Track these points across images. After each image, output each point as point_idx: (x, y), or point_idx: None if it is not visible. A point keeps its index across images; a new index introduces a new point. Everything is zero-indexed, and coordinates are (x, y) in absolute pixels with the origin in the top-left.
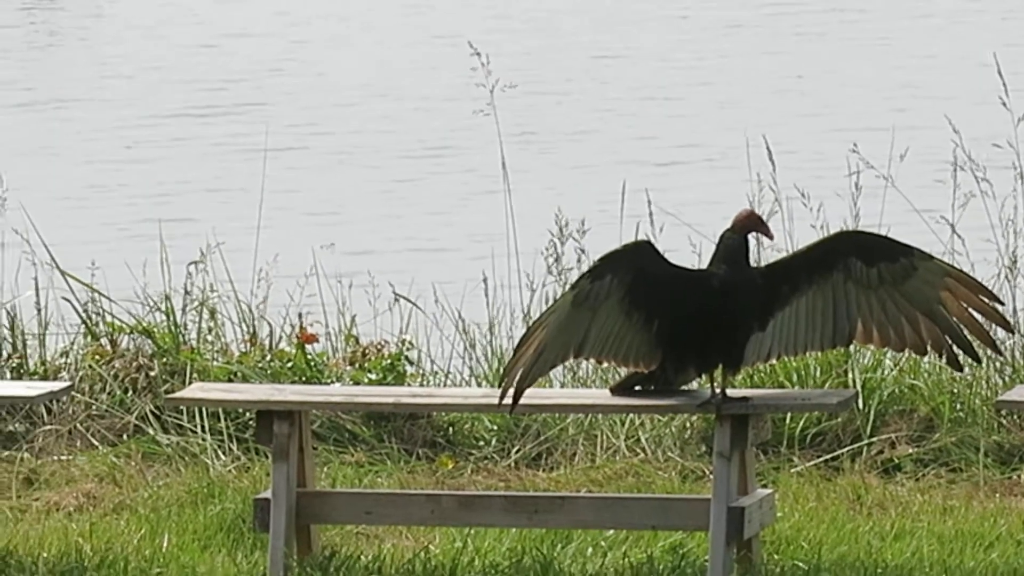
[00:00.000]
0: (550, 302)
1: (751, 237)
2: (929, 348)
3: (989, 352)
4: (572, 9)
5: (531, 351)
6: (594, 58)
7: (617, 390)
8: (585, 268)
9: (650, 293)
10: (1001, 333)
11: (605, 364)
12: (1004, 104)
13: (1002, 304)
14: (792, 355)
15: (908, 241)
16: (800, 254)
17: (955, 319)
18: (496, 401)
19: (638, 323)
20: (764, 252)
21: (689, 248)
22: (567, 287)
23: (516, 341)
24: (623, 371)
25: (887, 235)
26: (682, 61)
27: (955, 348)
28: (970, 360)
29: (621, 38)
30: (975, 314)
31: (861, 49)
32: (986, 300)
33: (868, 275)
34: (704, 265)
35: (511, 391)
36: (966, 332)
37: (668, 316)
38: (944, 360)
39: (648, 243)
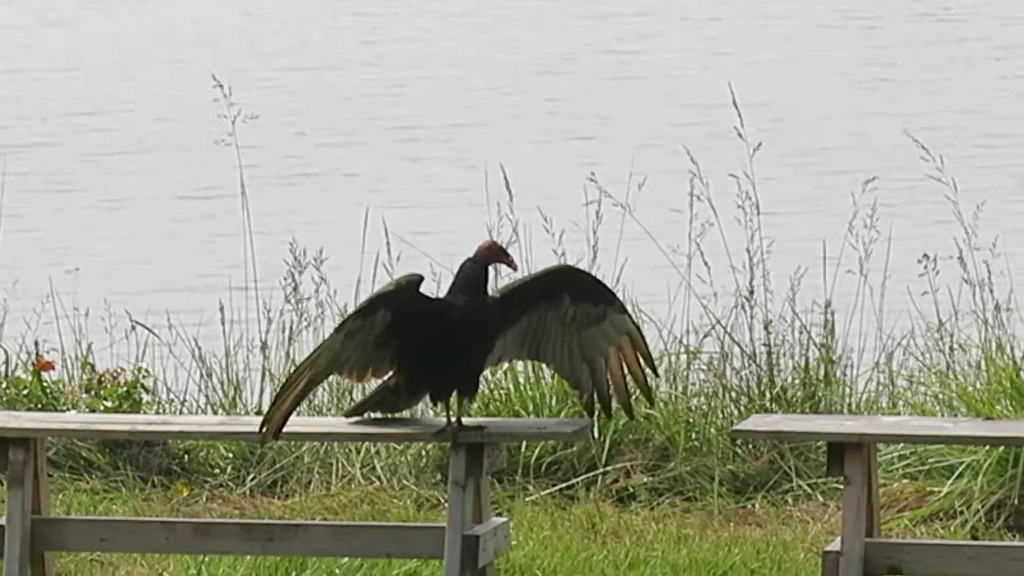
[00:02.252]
0: (287, 331)
1: (492, 267)
2: (587, 394)
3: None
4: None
5: (300, 386)
6: (345, 95)
7: (351, 415)
8: (353, 307)
9: (402, 324)
10: (736, 364)
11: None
12: (740, 135)
13: (657, 376)
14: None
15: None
16: (528, 282)
17: (609, 376)
18: (237, 429)
19: (387, 351)
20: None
21: (430, 276)
22: (336, 328)
23: (251, 369)
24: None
25: (601, 280)
26: (417, 84)
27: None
28: (704, 389)
29: (373, 68)
30: (629, 377)
31: (602, 81)
32: (642, 368)
33: (567, 312)
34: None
35: (276, 422)
36: (620, 388)
37: (408, 344)
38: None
39: (416, 277)
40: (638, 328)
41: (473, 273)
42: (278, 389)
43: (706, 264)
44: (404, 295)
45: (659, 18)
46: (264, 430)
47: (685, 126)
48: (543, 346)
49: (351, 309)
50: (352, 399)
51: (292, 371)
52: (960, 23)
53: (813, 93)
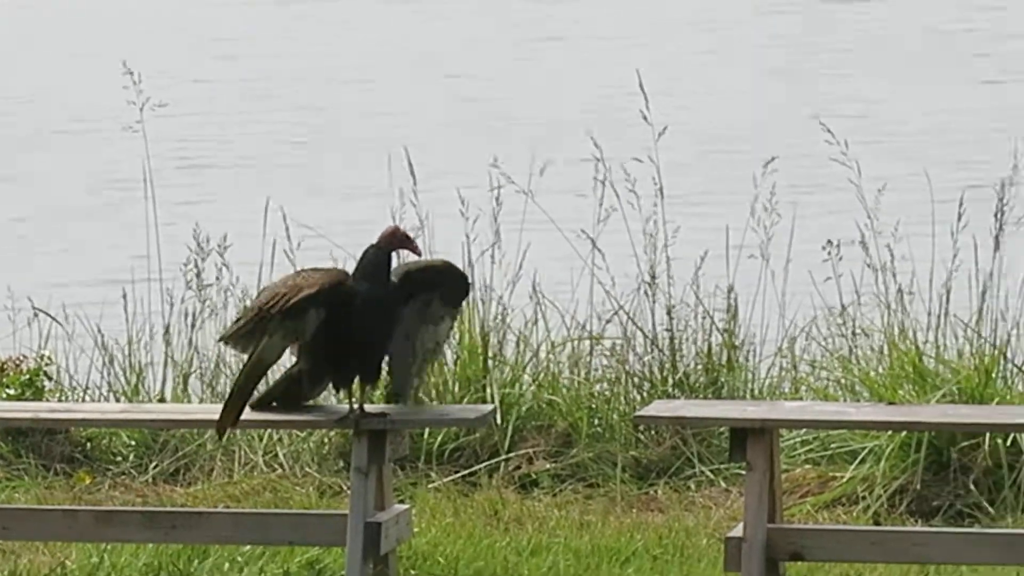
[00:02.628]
0: (190, 318)
1: (396, 253)
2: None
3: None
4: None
5: (250, 388)
6: (250, 79)
7: (256, 406)
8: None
9: (332, 320)
10: (638, 350)
11: None
12: (645, 119)
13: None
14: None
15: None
16: (417, 270)
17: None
18: (139, 417)
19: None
20: None
21: (332, 262)
22: (268, 332)
23: (154, 356)
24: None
25: (467, 287)
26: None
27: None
28: (607, 375)
29: (280, 57)
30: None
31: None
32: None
33: (431, 309)
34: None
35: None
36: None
37: (314, 332)
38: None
39: (342, 275)
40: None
41: (376, 259)
42: (229, 393)
43: (599, 251)
44: (333, 294)
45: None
46: (219, 431)
47: (592, 112)
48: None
49: (255, 294)
50: (255, 387)
51: (240, 377)
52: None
53: (720, 80)
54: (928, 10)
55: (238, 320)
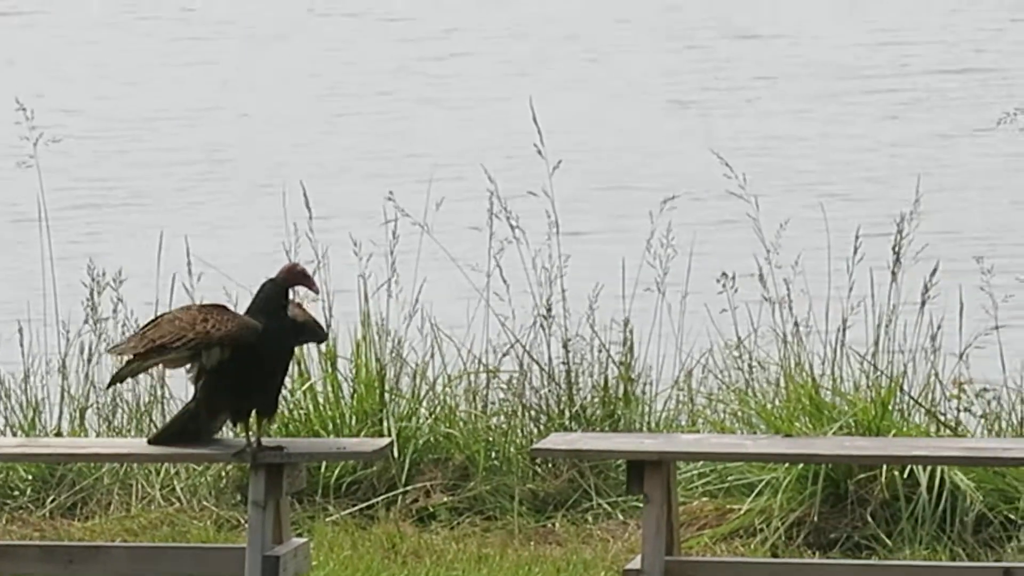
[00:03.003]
0: (86, 352)
1: (293, 291)
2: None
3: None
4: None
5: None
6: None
7: (155, 441)
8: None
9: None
10: (535, 383)
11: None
12: (539, 152)
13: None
14: None
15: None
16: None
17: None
18: (36, 451)
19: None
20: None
21: (225, 298)
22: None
23: (50, 390)
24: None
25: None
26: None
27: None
28: (504, 408)
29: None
30: None
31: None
32: None
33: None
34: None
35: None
36: None
37: (214, 365)
38: None
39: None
40: None
41: (274, 293)
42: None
43: (502, 282)
44: (241, 339)
45: (460, 39)
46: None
47: (487, 149)
48: None
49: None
50: (152, 421)
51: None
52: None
53: (616, 113)
54: (829, 46)
55: (132, 350)
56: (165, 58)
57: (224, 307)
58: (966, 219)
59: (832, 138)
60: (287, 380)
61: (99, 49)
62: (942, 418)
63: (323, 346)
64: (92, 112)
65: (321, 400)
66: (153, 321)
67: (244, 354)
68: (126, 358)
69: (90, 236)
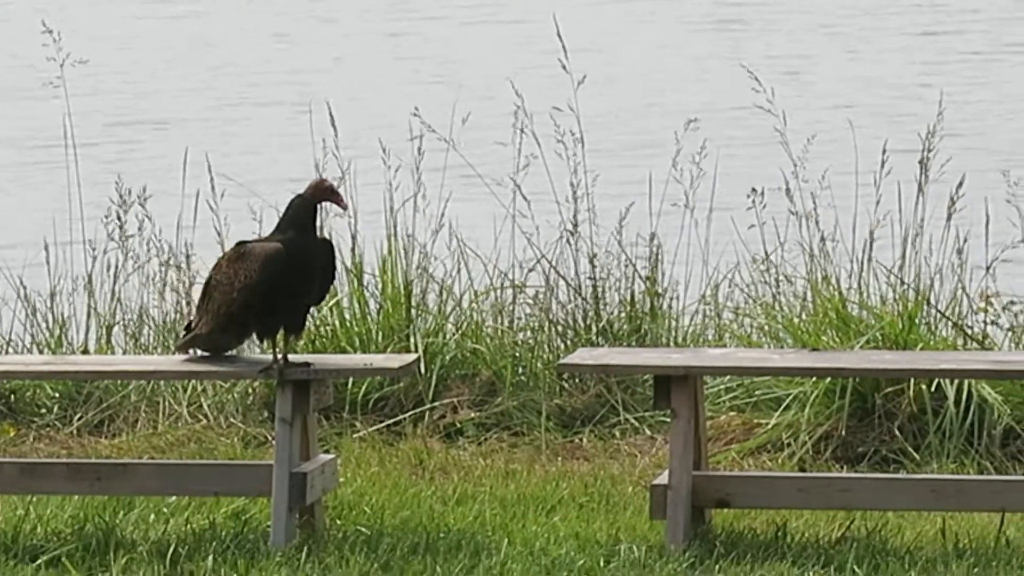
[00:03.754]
0: (112, 269)
1: (322, 206)
2: None
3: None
4: None
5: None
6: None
7: (181, 348)
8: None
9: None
10: (562, 298)
11: None
12: (564, 68)
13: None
14: None
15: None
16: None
17: None
18: (63, 368)
19: None
20: (333, 219)
21: (250, 216)
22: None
23: (77, 308)
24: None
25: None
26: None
27: None
28: (530, 324)
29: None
30: None
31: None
32: None
33: None
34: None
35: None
36: None
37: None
38: None
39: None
40: None
41: (303, 209)
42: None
43: (524, 198)
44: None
45: None
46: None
47: (517, 67)
48: None
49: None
50: (178, 335)
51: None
52: None
53: (646, 33)
54: None
55: (206, 308)
56: None
57: (243, 248)
58: (994, 134)
59: (861, 55)
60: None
61: None
62: (969, 331)
63: (349, 262)
64: (116, 35)
65: (348, 316)
66: (206, 291)
67: (271, 280)
68: (203, 330)
69: (119, 157)
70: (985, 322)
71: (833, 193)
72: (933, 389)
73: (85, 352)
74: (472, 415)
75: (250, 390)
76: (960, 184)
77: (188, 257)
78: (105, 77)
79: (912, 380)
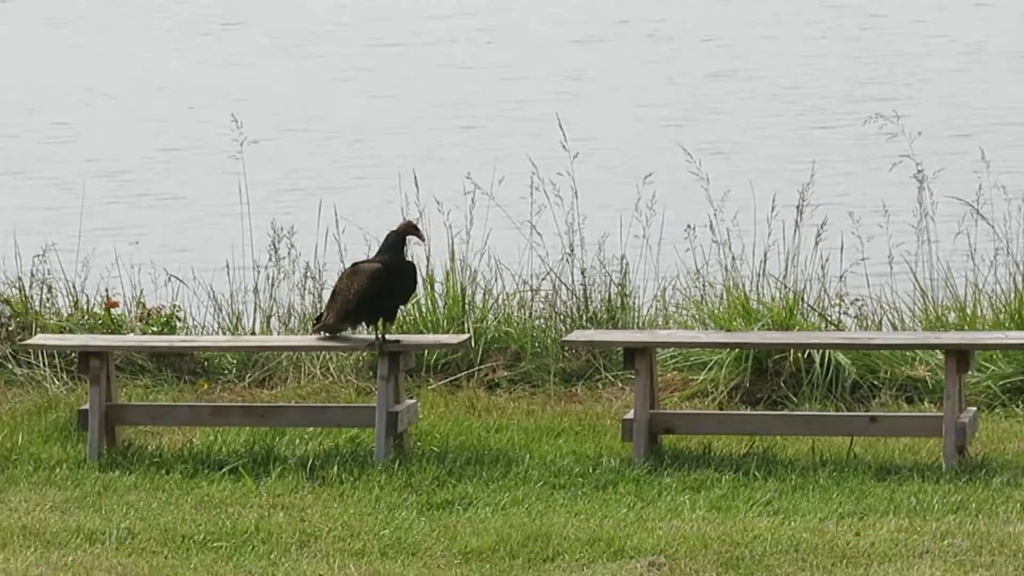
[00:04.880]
0: (270, 280)
1: (409, 239)
2: None
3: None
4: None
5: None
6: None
7: (315, 332)
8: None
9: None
10: (563, 298)
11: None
12: (564, 147)
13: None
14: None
15: None
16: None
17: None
18: (239, 344)
19: None
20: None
21: (363, 245)
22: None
23: (247, 305)
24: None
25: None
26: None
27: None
28: (543, 314)
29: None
30: None
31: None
32: None
33: None
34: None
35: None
36: None
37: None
38: None
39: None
40: None
41: (395, 240)
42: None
43: (539, 233)
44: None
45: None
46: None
47: (536, 147)
48: None
49: (311, 264)
50: (313, 323)
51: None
52: None
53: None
54: None
55: (334, 306)
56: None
57: (355, 267)
58: (845, 188)
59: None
60: (413, 299)
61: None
62: (828, 319)
63: (425, 274)
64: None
65: (424, 310)
66: (337, 291)
67: (375, 288)
68: (331, 321)
69: (277, 208)
70: (839, 313)
71: (740, 228)
72: (805, 357)
73: (253, 334)
74: (505, 374)
75: (360, 358)
76: (823, 224)
77: (320, 272)
78: (271, 152)
79: (792, 351)
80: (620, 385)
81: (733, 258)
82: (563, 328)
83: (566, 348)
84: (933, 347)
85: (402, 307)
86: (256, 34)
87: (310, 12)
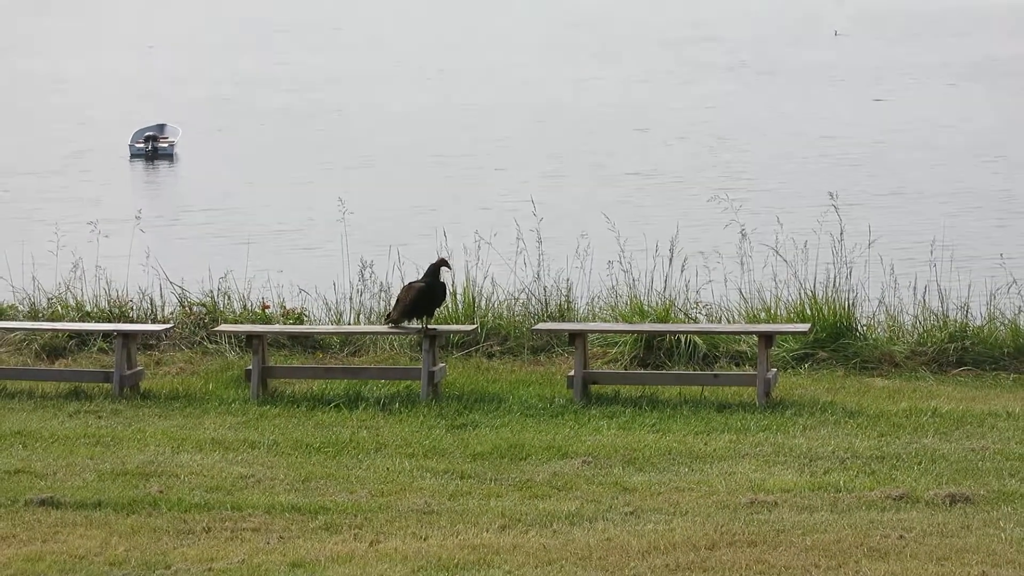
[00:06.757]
0: (360, 294)
1: (442, 269)
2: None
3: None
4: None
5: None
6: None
7: (385, 323)
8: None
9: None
10: (534, 303)
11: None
12: (533, 214)
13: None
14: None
15: None
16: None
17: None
18: (344, 331)
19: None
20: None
21: (414, 271)
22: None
23: (346, 307)
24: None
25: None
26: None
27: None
28: (523, 312)
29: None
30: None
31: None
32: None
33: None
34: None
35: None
36: None
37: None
38: None
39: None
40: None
41: (433, 268)
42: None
43: (524, 264)
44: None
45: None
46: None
47: (519, 209)
48: None
49: (384, 283)
50: (383, 318)
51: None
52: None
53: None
54: None
55: (396, 308)
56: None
57: (410, 285)
58: (698, 235)
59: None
60: (443, 305)
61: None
62: (690, 316)
63: (450, 289)
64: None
65: (450, 310)
66: (399, 299)
67: (421, 298)
68: (395, 317)
69: (362, 239)
70: (696, 312)
71: (638, 263)
72: (676, 339)
73: (349, 324)
74: (498, 348)
75: (413, 339)
76: (684, 260)
77: (388, 288)
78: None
79: (668, 335)
80: (566, 355)
81: (633, 280)
82: (533, 321)
83: (535, 333)
84: (751, 333)
85: (438, 309)
86: None
87: None
